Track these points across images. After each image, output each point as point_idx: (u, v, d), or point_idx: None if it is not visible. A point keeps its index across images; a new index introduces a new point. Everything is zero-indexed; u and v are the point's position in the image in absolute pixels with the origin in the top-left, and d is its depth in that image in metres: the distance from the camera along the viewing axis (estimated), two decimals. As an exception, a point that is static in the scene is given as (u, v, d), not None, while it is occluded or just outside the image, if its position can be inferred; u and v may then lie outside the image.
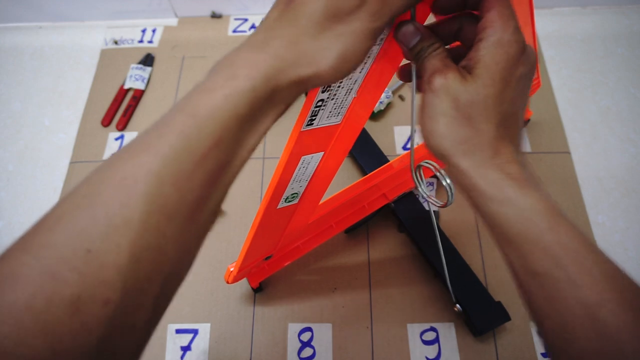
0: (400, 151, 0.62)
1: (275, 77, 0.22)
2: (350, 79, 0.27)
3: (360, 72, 0.27)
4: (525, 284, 0.24)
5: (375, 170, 0.50)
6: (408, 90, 0.66)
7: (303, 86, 0.24)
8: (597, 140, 0.62)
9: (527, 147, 0.62)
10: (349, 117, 0.31)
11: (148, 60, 0.72)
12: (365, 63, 0.27)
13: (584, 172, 0.60)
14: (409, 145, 0.62)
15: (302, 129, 0.28)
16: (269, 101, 0.23)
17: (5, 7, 0.74)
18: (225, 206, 0.59)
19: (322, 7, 0.23)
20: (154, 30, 0.75)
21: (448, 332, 0.51)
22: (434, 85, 0.25)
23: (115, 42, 0.75)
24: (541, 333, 0.25)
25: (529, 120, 0.62)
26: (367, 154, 0.59)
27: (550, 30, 0.71)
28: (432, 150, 0.26)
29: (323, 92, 0.26)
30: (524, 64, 0.25)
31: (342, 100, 0.28)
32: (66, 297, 0.17)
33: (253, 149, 0.24)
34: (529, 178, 0.25)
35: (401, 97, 0.66)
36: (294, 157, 0.30)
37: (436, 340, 0.51)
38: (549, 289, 0.23)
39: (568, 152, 0.61)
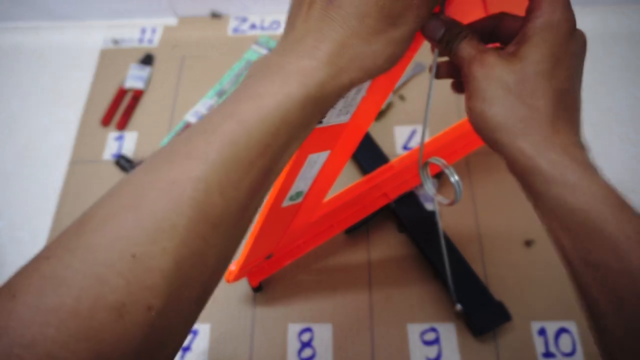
0: (400, 151, 0.62)
1: (327, 84, 0.22)
2: None
3: None
4: (580, 274, 0.23)
5: (377, 170, 0.50)
6: (408, 90, 0.66)
7: (350, 88, 0.23)
8: (597, 140, 0.62)
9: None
10: (356, 116, 0.31)
11: (148, 60, 0.72)
12: None
13: (584, 172, 0.59)
14: (409, 145, 0.62)
15: None
16: (318, 106, 0.22)
17: (5, 7, 0.74)
18: (225, 206, 0.59)
19: (375, 10, 0.22)
20: (153, 30, 0.75)
21: (448, 333, 0.51)
22: (474, 74, 0.25)
23: (115, 42, 0.74)
24: (593, 327, 0.25)
25: None
26: (368, 153, 0.59)
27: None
28: (485, 133, 0.26)
29: None
30: (576, 42, 0.25)
31: (352, 99, 0.28)
32: (111, 303, 0.17)
33: (294, 153, 0.24)
34: (590, 163, 0.23)
35: (401, 97, 0.66)
36: (301, 155, 0.30)
37: (436, 340, 0.51)
38: (607, 281, 0.22)
39: (568, 152, 0.61)
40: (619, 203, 0.23)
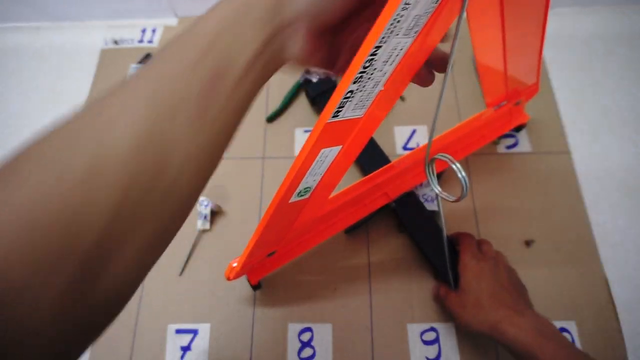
0: (400, 151, 0.62)
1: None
2: (382, 71, 0.27)
3: (390, 65, 0.28)
4: None
5: (380, 169, 0.50)
6: (408, 90, 0.66)
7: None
8: (597, 140, 0.62)
9: (527, 147, 0.62)
10: (370, 111, 0.31)
11: (148, 60, 0.72)
12: (397, 55, 0.27)
13: (584, 172, 0.60)
14: (409, 145, 0.62)
15: (328, 120, 0.28)
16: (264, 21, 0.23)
17: (5, 7, 0.74)
18: (224, 206, 0.59)
19: None
20: (153, 30, 0.75)
21: (448, 332, 0.51)
22: (447, 304, 0.48)
23: (115, 42, 0.74)
24: None
25: (525, 125, 0.61)
26: (368, 154, 0.59)
27: (551, 30, 0.71)
28: (470, 327, 0.45)
29: (354, 82, 0.27)
30: (483, 267, 0.47)
31: (369, 93, 0.28)
32: (80, 167, 0.18)
33: (250, 63, 0.23)
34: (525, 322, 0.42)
35: (402, 98, 0.66)
36: (315, 149, 0.30)
37: (436, 340, 0.51)
38: None
39: (568, 152, 0.61)
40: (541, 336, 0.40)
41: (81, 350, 0.20)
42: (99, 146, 0.18)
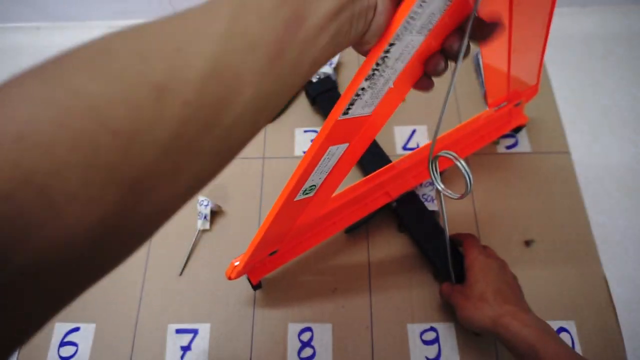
0: (400, 151, 0.62)
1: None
2: (393, 68, 0.28)
3: (402, 62, 0.28)
4: None
5: (382, 169, 0.50)
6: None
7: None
8: (597, 140, 0.62)
9: (527, 147, 0.62)
10: (378, 109, 0.31)
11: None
12: (409, 53, 0.27)
13: (584, 173, 0.60)
14: (409, 145, 0.62)
15: (338, 118, 0.28)
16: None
17: (5, 7, 0.74)
18: (224, 206, 0.59)
19: None
20: (154, 30, 0.75)
21: (448, 332, 0.51)
22: (454, 301, 0.48)
23: (115, 42, 0.74)
24: None
25: (524, 126, 0.61)
26: (369, 153, 0.59)
27: (551, 30, 0.71)
28: (472, 320, 0.45)
29: (366, 79, 0.27)
30: (491, 263, 0.47)
31: (379, 91, 0.29)
32: (152, 82, 0.17)
33: (326, 23, 0.22)
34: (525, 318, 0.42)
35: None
36: (324, 145, 0.30)
37: (436, 340, 0.51)
38: None
39: (568, 152, 0.61)
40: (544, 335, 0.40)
41: (118, 261, 0.19)
42: (172, 67, 0.17)
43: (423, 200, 0.57)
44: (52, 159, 0.14)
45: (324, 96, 0.63)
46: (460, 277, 0.50)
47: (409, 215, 0.54)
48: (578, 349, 0.50)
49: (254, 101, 0.20)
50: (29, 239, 0.14)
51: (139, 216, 0.18)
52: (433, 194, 0.57)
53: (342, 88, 0.66)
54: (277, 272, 0.55)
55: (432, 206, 0.56)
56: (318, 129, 0.64)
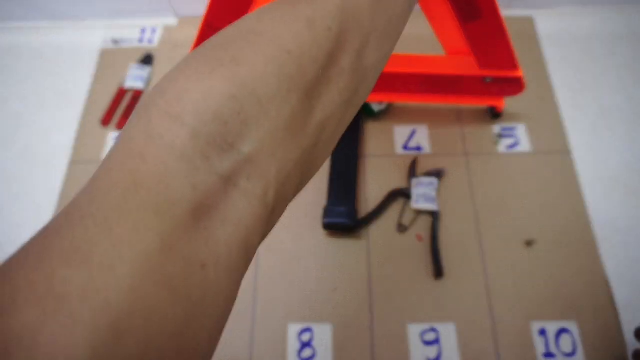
0: (400, 151, 0.62)
1: None
2: None
3: None
4: None
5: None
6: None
7: None
8: (598, 140, 0.62)
9: (527, 147, 0.62)
10: None
11: (148, 60, 0.72)
12: None
13: (584, 172, 0.59)
14: (409, 145, 0.62)
15: None
16: None
17: (4, 7, 0.74)
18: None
19: None
20: (153, 30, 0.75)
21: (448, 333, 0.51)
22: None
23: (115, 42, 0.74)
24: None
25: (501, 113, 0.61)
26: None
27: (550, 30, 0.71)
28: None
29: None
30: None
31: None
32: (305, 16, 0.22)
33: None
34: None
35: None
36: None
37: (436, 340, 0.51)
38: None
39: (568, 152, 0.61)
40: None
41: (300, 185, 0.24)
42: (314, 5, 0.23)
43: (423, 200, 0.57)
44: (256, 74, 0.20)
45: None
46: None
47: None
48: (579, 349, 0.49)
49: (374, 31, 0.25)
50: (252, 128, 0.19)
51: (315, 120, 0.23)
52: (433, 194, 0.57)
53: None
54: (277, 272, 0.54)
55: (432, 206, 0.56)
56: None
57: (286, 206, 0.23)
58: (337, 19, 0.23)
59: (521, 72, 0.53)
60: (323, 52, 0.22)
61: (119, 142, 0.19)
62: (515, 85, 0.55)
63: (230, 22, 0.43)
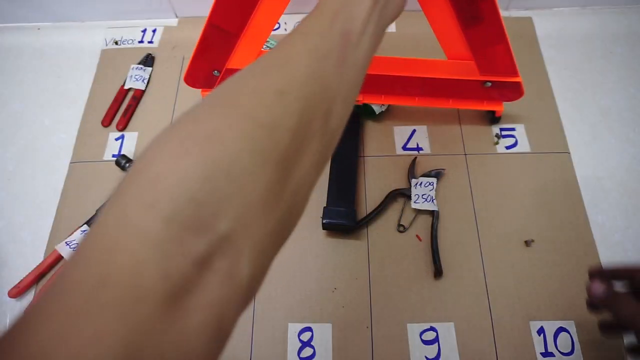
0: (400, 151, 0.62)
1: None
2: None
3: None
4: None
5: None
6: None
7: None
8: (596, 140, 0.62)
9: (526, 147, 0.62)
10: None
11: (148, 60, 0.72)
12: None
13: (583, 172, 0.60)
14: (409, 145, 0.62)
15: None
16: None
17: (5, 7, 0.74)
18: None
19: None
20: (154, 31, 0.75)
21: (448, 332, 0.51)
22: None
23: (116, 43, 0.75)
24: None
25: (499, 117, 0.61)
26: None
27: (550, 30, 0.71)
28: None
29: None
30: None
31: None
32: (275, 88, 0.24)
33: (366, 25, 0.29)
34: None
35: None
36: None
37: (436, 340, 0.51)
38: None
39: (568, 152, 0.61)
40: None
41: (276, 251, 0.24)
42: (284, 76, 0.24)
43: (422, 200, 0.57)
44: (230, 151, 0.20)
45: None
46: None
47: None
48: (577, 348, 0.50)
49: (339, 91, 0.27)
50: (227, 207, 0.19)
51: (290, 188, 0.23)
52: (433, 194, 0.57)
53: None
54: (277, 272, 0.55)
55: (431, 206, 0.57)
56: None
57: (266, 272, 0.23)
58: (307, 87, 0.25)
59: (520, 78, 0.53)
60: (295, 121, 0.23)
61: (92, 230, 0.18)
62: (514, 91, 0.56)
63: (234, 22, 0.45)
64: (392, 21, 0.34)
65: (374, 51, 0.31)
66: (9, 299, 0.55)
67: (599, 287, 0.38)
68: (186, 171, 0.19)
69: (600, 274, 0.41)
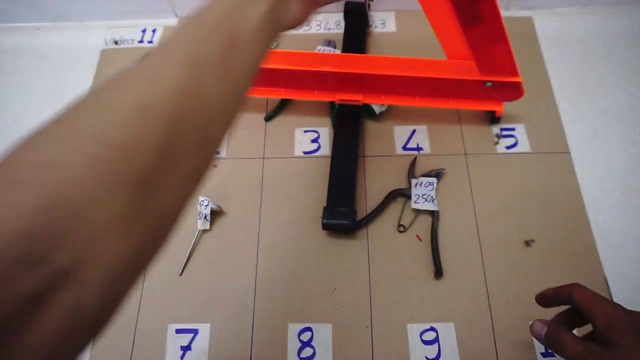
0: (400, 151, 0.62)
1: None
2: None
3: None
4: None
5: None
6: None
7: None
8: (597, 140, 0.62)
9: (527, 147, 0.62)
10: None
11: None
12: None
13: (583, 172, 0.60)
14: (409, 145, 0.62)
15: None
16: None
17: (5, 7, 0.74)
18: (225, 206, 0.59)
19: None
20: (154, 31, 0.75)
21: (448, 332, 0.51)
22: None
23: (116, 42, 0.75)
24: None
25: (499, 117, 0.61)
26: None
27: (550, 30, 0.71)
28: None
29: None
30: (635, 317, 0.35)
31: None
32: (135, 104, 0.22)
33: (256, 30, 0.28)
34: None
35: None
36: None
37: (436, 340, 0.51)
38: None
39: (568, 152, 0.61)
40: None
41: (135, 276, 0.23)
42: (150, 89, 0.22)
43: (422, 200, 0.57)
44: (75, 178, 0.19)
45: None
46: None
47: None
48: (578, 348, 0.50)
49: (219, 99, 0.25)
50: (68, 238, 0.18)
51: (151, 211, 0.22)
52: (433, 194, 0.57)
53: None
54: (277, 272, 0.55)
55: (432, 206, 0.56)
56: (318, 129, 0.64)
57: (122, 298, 0.22)
58: (176, 101, 0.23)
59: (521, 78, 0.53)
60: (158, 139, 0.21)
61: None
62: (514, 91, 0.56)
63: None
64: (288, 29, 0.32)
65: (263, 57, 0.29)
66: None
67: (538, 328, 0.40)
68: (19, 203, 0.17)
69: (543, 299, 0.42)
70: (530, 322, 0.41)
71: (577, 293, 0.38)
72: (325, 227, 0.55)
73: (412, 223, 0.57)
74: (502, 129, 0.63)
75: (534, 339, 0.50)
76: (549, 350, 0.38)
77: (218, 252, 0.57)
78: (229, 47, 0.26)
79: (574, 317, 0.39)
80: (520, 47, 0.69)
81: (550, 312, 0.43)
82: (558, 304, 0.40)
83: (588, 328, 0.38)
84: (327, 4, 0.36)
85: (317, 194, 0.59)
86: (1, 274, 0.16)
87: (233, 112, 0.27)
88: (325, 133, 0.64)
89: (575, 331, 0.40)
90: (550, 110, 0.64)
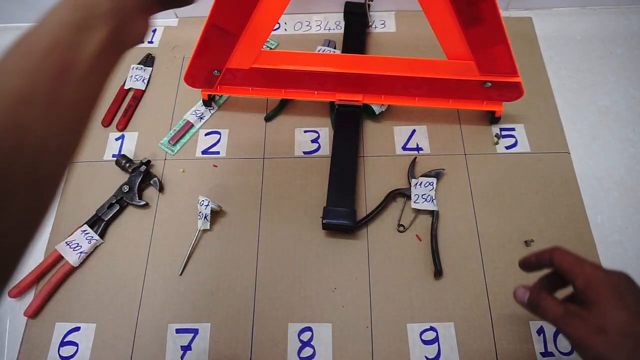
0: (400, 151, 0.62)
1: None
2: None
3: None
4: None
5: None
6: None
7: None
8: (596, 140, 0.62)
9: (526, 147, 0.62)
10: None
11: (148, 60, 0.72)
12: None
13: (583, 172, 0.60)
14: (409, 145, 0.62)
15: None
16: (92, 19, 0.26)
17: (5, 7, 0.74)
18: (225, 206, 0.59)
19: None
20: (154, 31, 0.75)
21: (447, 332, 0.51)
22: (568, 329, 0.34)
23: (115, 43, 0.74)
24: None
25: (499, 117, 0.61)
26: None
27: (550, 30, 0.71)
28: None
29: None
30: (618, 279, 0.34)
31: None
32: None
33: (96, 56, 0.26)
34: None
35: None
36: None
37: (436, 340, 0.51)
38: None
39: (567, 152, 0.61)
40: None
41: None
42: None
43: (422, 200, 0.57)
44: None
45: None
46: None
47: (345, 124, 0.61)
48: (577, 348, 0.50)
49: (46, 139, 0.24)
50: None
51: None
52: (433, 194, 0.57)
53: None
54: (277, 272, 0.55)
55: (431, 206, 0.57)
56: (318, 129, 0.64)
57: None
58: None
59: (520, 78, 0.53)
60: None
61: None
62: (514, 91, 0.56)
63: (234, 22, 0.45)
64: (134, 47, 0.31)
65: (108, 80, 0.28)
66: (9, 298, 0.55)
67: (521, 294, 0.39)
68: None
69: (526, 264, 0.41)
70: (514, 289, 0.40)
71: (557, 256, 0.37)
72: (325, 227, 0.55)
73: (411, 223, 0.57)
74: (501, 129, 0.63)
75: (534, 339, 0.50)
76: (533, 314, 0.38)
77: (218, 252, 0.57)
78: (59, 79, 0.24)
79: (556, 280, 0.39)
80: (519, 47, 0.69)
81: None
82: (540, 268, 0.40)
83: (570, 290, 0.38)
84: (161, 12, 0.35)
85: (317, 194, 0.59)
86: None
87: (71, 144, 0.26)
88: (325, 133, 0.64)
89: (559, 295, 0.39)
90: (550, 110, 0.64)
